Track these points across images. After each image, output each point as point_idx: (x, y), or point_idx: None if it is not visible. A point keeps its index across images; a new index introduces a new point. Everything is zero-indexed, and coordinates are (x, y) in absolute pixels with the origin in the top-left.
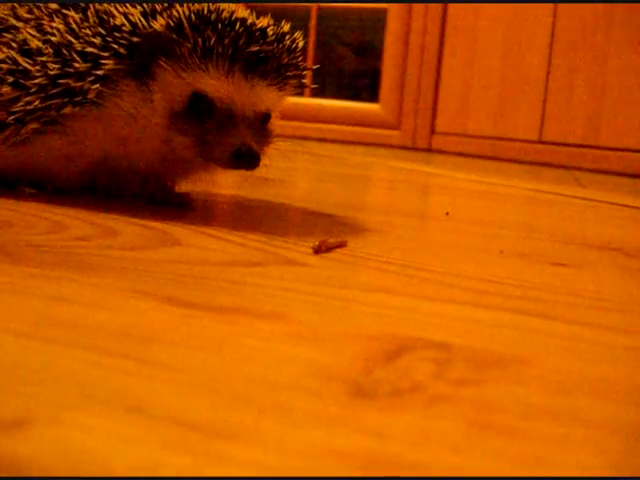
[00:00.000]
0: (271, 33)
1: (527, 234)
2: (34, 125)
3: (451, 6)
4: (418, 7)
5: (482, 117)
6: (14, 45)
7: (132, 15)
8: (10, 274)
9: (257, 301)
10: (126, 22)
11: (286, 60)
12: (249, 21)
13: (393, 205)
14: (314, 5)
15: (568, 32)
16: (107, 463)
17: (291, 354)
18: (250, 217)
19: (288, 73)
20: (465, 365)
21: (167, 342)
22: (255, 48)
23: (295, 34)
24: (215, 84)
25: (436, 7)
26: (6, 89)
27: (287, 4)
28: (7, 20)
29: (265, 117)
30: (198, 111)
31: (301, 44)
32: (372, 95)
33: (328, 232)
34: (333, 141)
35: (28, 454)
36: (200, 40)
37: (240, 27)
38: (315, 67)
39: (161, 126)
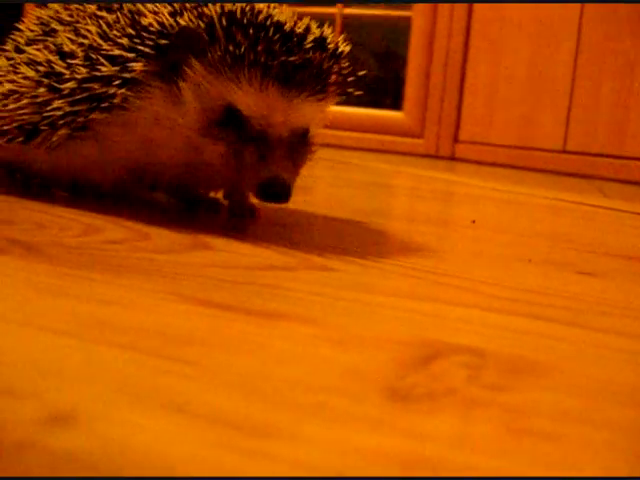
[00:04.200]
0: (311, 38)
1: (553, 243)
2: (65, 131)
3: (476, 14)
4: (442, 15)
5: (506, 126)
6: (52, 48)
7: (161, 14)
8: (48, 274)
9: (290, 305)
10: (154, 22)
11: (327, 66)
12: (286, 25)
13: (417, 213)
14: (339, 12)
15: (594, 41)
16: (163, 460)
17: (326, 357)
18: (278, 223)
19: (329, 81)
20: (497, 371)
21: (205, 344)
22: (291, 56)
23: (338, 38)
24: (248, 100)
25: (460, 15)
26: (41, 91)
27: (311, 10)
28: (50, 23)
29: (304, 134)
30: (231, 125)
31: (345, 49)
32: (395, 103)
33: (353, 238)
34: (356, 149)
35: (79, 449)
36: (231, 46)
37: (275, 32)
38: (362, 73)
39: (192, 131)
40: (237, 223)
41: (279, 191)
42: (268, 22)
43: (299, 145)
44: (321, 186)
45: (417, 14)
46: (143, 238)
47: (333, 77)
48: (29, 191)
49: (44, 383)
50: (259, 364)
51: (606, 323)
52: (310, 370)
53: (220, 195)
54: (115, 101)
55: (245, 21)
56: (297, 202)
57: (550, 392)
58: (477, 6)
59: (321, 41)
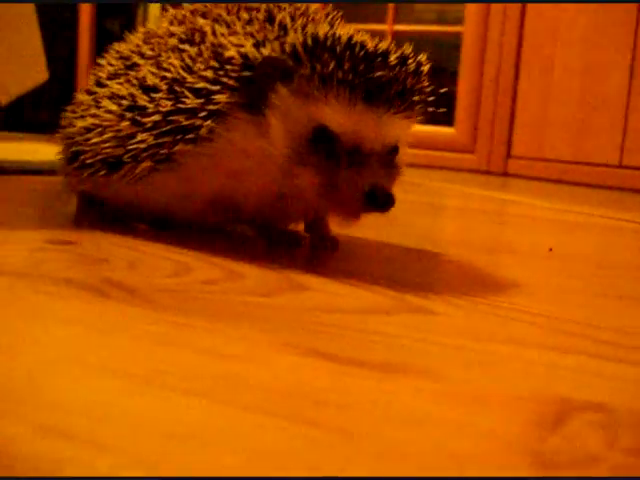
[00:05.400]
0: (393, 57)
1: (636, 274)
2: (148, 163)
3: (527, 28)
4: (493, 30)
5: (560, 141)
6: (135, 82)
7: (243, 47)
8: (152, 321)
9: (403, 355)
10: (236, 54)
11: (410, 84)
12: (369, 45)
13: (487, 239)
14: (389, 29)
15: None
16: None
17: (456, 418)
18: (357, 254)
19: (414, 98)
20: (633, 431)
21: (336, 405)
22: (378, 73)
23: (419, 57)
24: (338, 117)
25: (512, 29)
26: (125, 124)
27: (362, 27)
28: (131, 57)
29: (393, 150)
30: (322, 145)
31: (426, 68)
32: (447, 118)
33: (438, 273)
34: (407, 165)
35: None
36: (318, 66)
37: (360, 50)
38: (444, 90)
39: (281, 159)
40: (320, 256)
41: (384, 198)
42: (352, 42)
43: (390, 163)
44: None
45: (468, 29)
46: (236, 278)
47: (417, 94)
48: (111, 224)
49: (181, 448)
50: (388, 426)
51: None
52: (446, 434)
53: (300, 227)
54: (201, 132)
55: (329, 43)
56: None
57: None
58: (528, 20)
59: (403, 59)
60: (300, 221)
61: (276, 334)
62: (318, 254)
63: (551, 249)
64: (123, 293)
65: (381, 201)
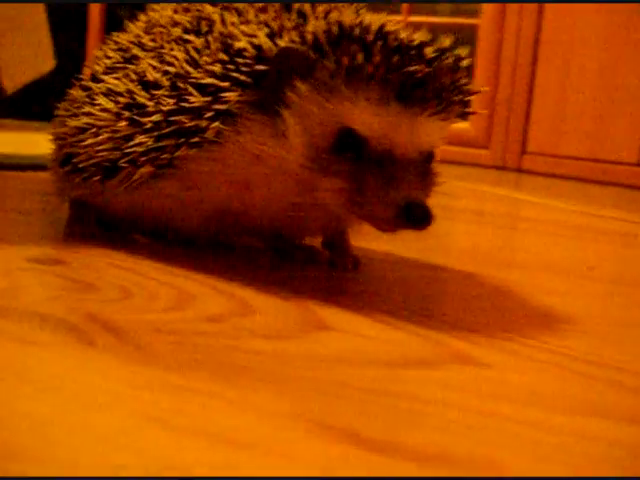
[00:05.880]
0: (430, 49)
1: None
2: (147, 169)
3: (545, 22)
4: (510, 23)
5: (577, 137)
6: (134, 77)
7: (256, 37)
8: (140, 384)
9: (452, 437)
10: (249, 46)
11: (449, 82)
12: (403, 34)
13: (515, 252)
14: (404, 20)
15: None
16: None
17: None
18: (384, 278)
19: (453, 98)
20: None
21: None
22: (413, 67)
23: (459, 50)
24: (367, 118)
25: (529, 23)
26: (122, 125)
27: None
28: (130, 49)
29: (429, 156)
30: (348, 151)
31: (466, 62)
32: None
33: (477, 303)
34: None
35: None
36: (344, 58)
37: (393, 41)
38: (484, 89)
39: (300, 167)
40: (341, 277)
41: (421, 215)
42: (383, 31)
43: (426, 171)
44: None
45: (484, 22)
46: (245, 312)
47: (456, 93)
48: (107, 236)
49: None
50: None
51: None
52: None
53: (316, 241)
54: (207, 135)
55: (357, 32)
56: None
57: None
58: (546, 14)
59: (441, 52)
60: (317, 235)
61: (294, 404)
62: (338, 274)
63: (591, 267)
64: (109, 337)
65: (418, 218)
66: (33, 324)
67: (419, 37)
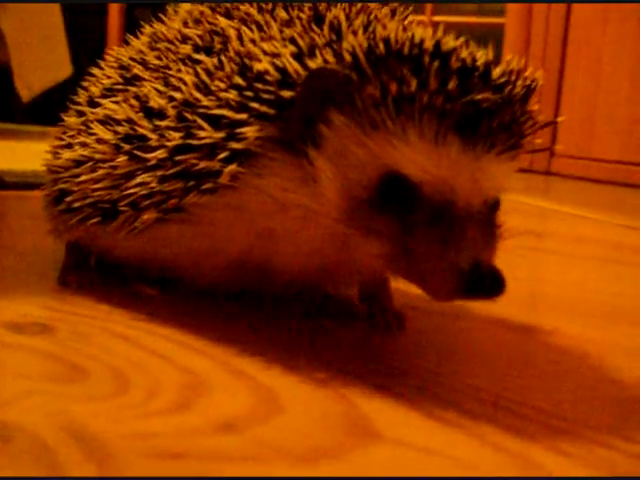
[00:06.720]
0: (498, 73)
1: None
2: (151, 215)
3: (574, 19)
4: (538, 21)
5: (608, 139)
6: (134, 102)
7: (281, 57)
8: None
9: None
10: (271, 68)
11: (520, 112)
12: (463, 54)
13: (561, 290)
14: (427, 20)
15: None
16: None
17: None
18: (435, 342)
19: (526, 132)
20: None
21: None
22: (479, 95)
23: (532, 71)
24: (419, 159)
25: (557, 21)
26: (121, 160)
27: None
28: (132, 67)
29: (494, 205)
30: (395, 201)
31: (536, 85)
32: None
33: (565, 382)
34: None
35: None
36: (393, 83)
37: (454, 63)
38: (560, 119)
39: (333, 219)
40: (386, 344)
41: (491, 281)
42: (441, 50)
43: (490, 224)
44: None
45: (511, 21)
46: (270, 411)
47: (528, 126)
48: (107, 287)
49: None
50: None
51: None
52: None
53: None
54: (221, 180)
55: (407, 50)
56: None
57: None
58: (575, 11)
59: (509, 76)
60: (353, 284)
61: None
62: (380, 337)
63: None
64: (90, 466)
65: (488, 285)
66: None
67: (482, 56)
